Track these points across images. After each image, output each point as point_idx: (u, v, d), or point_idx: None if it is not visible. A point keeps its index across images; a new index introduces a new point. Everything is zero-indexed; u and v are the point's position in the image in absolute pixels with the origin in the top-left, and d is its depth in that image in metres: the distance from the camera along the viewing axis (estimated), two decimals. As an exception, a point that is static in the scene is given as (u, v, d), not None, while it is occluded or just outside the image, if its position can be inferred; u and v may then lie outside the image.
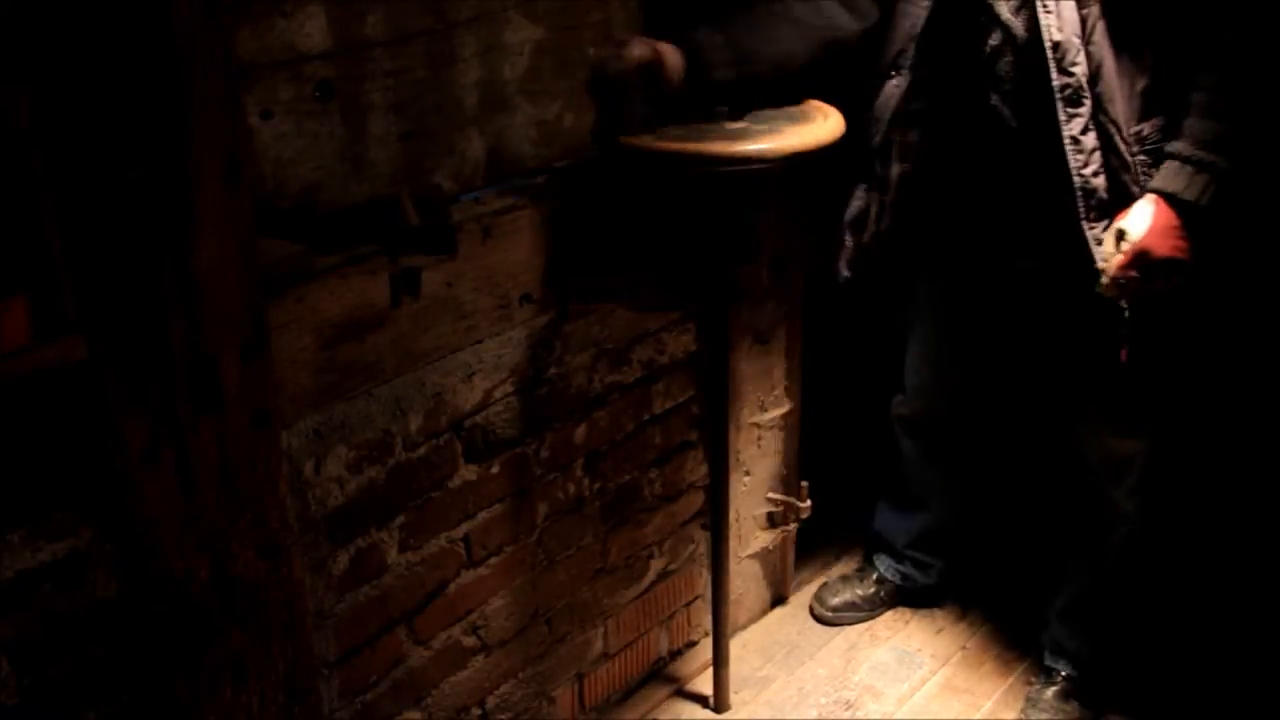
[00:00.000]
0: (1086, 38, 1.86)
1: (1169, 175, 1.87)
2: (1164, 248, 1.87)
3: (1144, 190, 1.91)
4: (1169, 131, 1.90)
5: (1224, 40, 1.83)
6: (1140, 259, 1.87)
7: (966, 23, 1.98)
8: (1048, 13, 1.87)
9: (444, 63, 1.79)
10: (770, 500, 2.55)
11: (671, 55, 1.85)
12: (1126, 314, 1.94)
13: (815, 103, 2.01)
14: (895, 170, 2.12)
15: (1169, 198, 1.87)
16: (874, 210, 2.14)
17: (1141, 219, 1.87)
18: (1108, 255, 1.91)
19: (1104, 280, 1.91)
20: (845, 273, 2.19)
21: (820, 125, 1.91)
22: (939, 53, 2.02)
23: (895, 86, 2.05)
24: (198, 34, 1.25)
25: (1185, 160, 1.86)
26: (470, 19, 1.81)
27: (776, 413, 2.49)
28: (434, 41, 1.77)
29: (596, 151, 1.92)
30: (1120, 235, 1.89)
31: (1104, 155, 1.90)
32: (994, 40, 1.96)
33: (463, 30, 1.80)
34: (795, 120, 1.93)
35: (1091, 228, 1.93)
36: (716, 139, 1.83)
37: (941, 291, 2.33)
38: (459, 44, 1.81)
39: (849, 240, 2.17)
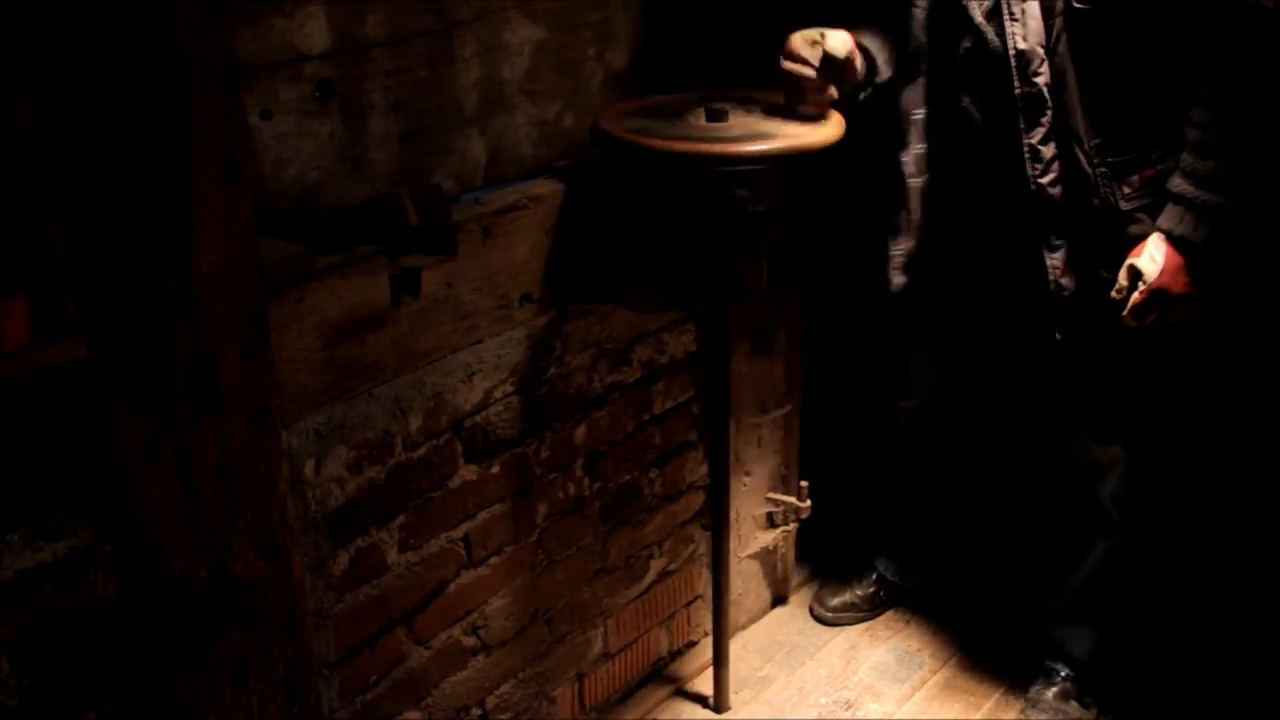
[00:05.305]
0: (1051, 48, 1.85)
1: (1174, 218, 1.87)
2: (1179, 284, 1.88)
3: (1103, 204, 1.90)
4: (1130, 147, 1.90)
5: (1213, 73, 1.82)
6: (1158, 297, 1.88)
7: (948, 26, 1.98)
8: (1014, 21, 1.86)
9: (444, 63, 1.80)
10: (770, 500, 2.55)
11: (857, 53, 1.88)
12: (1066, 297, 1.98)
13: None
14: (919, 181, 2.11)
15: (1175, 239, 1.87)
16: (907, 218, 2.13)
17: (1154, 259, 1.87)
18: (1121, 289, 1.91)
19: (1123, 314, 1.92)
20: (897, 281, 2.17)
21: (820, 126, 1.91)
22: (935, 56, 2.02)
23: (911, 92, 2.05)
24: (198, 34, 1.25)
25: (1189, 204, 1.85)
26: (470, 19, 1.81)
27: (776, 413, 2.49)
28: (434, 41, 1.77)
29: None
30: (1134, 273, 1.89)
31: (1063, 166, 1.90)
32: (966, 44, 1.95)
33: (463, 30, 1.81)
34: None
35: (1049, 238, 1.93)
36: (717, 139, 1.83)
37: (947, 295, 2.32)
38: (459, 44, 1.81)
39: (893, 249, 2.16)
